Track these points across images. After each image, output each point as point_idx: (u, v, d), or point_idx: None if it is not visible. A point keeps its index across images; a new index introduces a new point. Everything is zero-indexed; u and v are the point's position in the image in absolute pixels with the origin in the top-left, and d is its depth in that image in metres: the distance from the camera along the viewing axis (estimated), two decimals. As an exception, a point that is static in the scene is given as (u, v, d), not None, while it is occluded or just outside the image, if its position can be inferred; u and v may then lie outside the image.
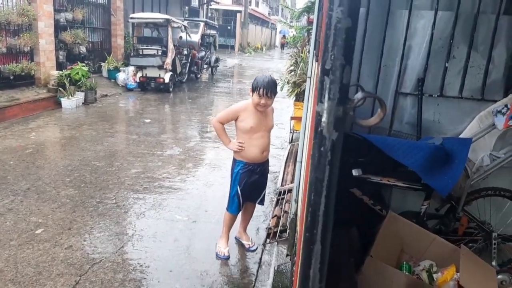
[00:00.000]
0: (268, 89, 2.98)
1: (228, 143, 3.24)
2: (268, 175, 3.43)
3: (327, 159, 0.68)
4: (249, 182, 3.22)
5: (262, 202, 3.44)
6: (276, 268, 3.13)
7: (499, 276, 2.69)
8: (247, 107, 3.11)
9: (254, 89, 3.02)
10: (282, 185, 4.71)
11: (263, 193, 3.39)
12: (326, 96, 0.66)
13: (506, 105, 2.62)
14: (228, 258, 3.28)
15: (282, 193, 4.43)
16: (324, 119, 0.67)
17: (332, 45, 0.64)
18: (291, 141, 6.63)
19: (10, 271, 2.94)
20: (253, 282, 3.02)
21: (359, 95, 0.73)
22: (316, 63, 2.14)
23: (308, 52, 6.04)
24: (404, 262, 2.56)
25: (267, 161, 3.33)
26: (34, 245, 3.29)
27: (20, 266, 3.00)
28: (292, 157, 5.53)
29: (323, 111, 0.67)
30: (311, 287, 0.72)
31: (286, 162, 5.46)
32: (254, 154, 3.15)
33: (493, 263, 2.74)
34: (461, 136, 2.90)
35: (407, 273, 2.45)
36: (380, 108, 0.77)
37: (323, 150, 0.67)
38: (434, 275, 2.47)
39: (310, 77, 2.89)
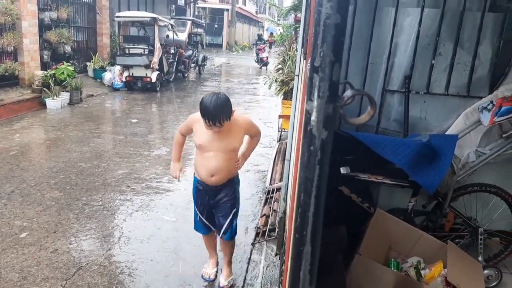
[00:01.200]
0: (215, 119, 2.36)
1: (173, 160, 2.90)
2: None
3: (317, 159, 0.66)
4: (203, 205, 2.77)
5: (226, 235, 2.77)
6: (265, 267, 3.12)
7: (486, 271, 2.73)
8: (200, 118, 2.48)
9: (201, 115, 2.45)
10: (270, 183, 4.70)
11: (225, 224, 2.74)
12: (316, 94, 0.65)
13: (491, 102, 2.65)
14: (212, 281, 2.95)
15: (270, 192, 4.42)
16: (313, 117, 0.65)
17: (321, 42, 0.63)
18: (279, 139, 6.62)
19: (-6, 276, 2.87)
20: (243, 282, 3.00)
21: (349, 92, 0.72)
22: (304, 61, 2.13)
23: (296, 50, 6.05)
24: (392, 259, 2.57)
25: (226, 187, 2.71)
26: (18, 249, 3.22)
27: (3, 271, 2.93)
28: (280, 155, 5.52)
29: (312, 109, 0.65)
30: (302, 289, 0.71)
31: (274, 161, 5.45)
32: (202, 175, 2.65)
33: (480, 258, 2.78)
34: (447, 132, 2.92)
35: (395, 270, 2.47)
36: (370, 106, 0.77)
37: (313, 149, 0.66)
38: (422, 272, 2.49)
39: (298, 75, 2.88)
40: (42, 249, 3.23)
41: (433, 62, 2.93)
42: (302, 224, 0.69)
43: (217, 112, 2.35)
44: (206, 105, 2.36)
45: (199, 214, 2.81)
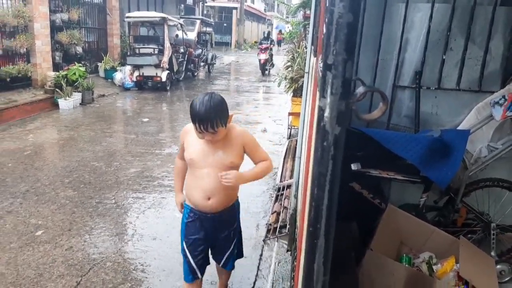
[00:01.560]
0: (207, 122, 1.95)
1: (176, 191, 2.47)
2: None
3: (330, 154, 0.68)
4: (198, 239, 2.26)
5: (226, 266, 2.42)
6: (276, 263, 3.14)
7: (498, 266, 2.71)
8: (191, 128, 2.13)
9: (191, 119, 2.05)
10: (281, 181, 4.72)
11: (227, 254, 2.37)
12: (329, 91, 0.66)
13: (503, 96, 2.63)
14: None
15: (281, 189, 4.43)
16: (326, 114, 0.67)
17: (334, 40, 0.65)
18: (289, 137, 6.63)
19: (10, 274, 2.93)
20: (254, 278, 3.03)
21: (361, 89, 0.73)
22: (315, 58, 2.14)
23: (305, 47, 6.05)
24: (404, 255, 2.57)
25: (226, 214, 2.26)
26: (34, 247, 3.28)
27: (20, 268, 3.00)
28: (290, 153, 5.53)
29: (325, 106, 0.67)
30: (316, 280, 0.73)
31: (284, 158, 5.46)
32: (196, 199, 2.19)
33: (492, 253, 2.76)
34: (459, 128, 2.91)
35: (407, 265, 2.47)
36: (382, 102, 0.78)
37: (326, 145, 0.68)
38: (434, 267, 2.49)
39: (308, 73, 2.89)
40: (57, 247, 3.29)
41: (444, 57, 2.91)
42: (316, 217, 0.71)
43: (210, 114, 1.95)
44: (197, 106, 1.97)
45: (188, 256, 2.30)
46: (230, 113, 2.11)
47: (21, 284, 2.82)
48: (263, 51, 15.74)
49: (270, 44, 16.36)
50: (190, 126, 2.14)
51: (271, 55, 16.28)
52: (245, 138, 2.19)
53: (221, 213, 2.23)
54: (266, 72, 16.00)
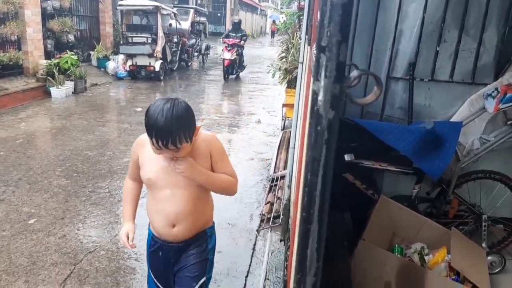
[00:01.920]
0: (167, 138, 1.51)
1: (124, 219, 1.97)
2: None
3: (324, 138, 0.68)
4: (164, 271, 1.90)
5: None
6: (270, 253, 3.15)
7: (489, 258, 2.75)
8: (147, 141, 1.63)
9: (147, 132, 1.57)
10: (274, 171, 4.73)
11: None
12: (323, 74, 0.66)
13: (496, 89, 2.64)
14: None
15: (275, 180, 4.44)
16: (320, 97, 0.66)
17: (328, 22, 0.64)
18: (283, 128, 6.63)
19: (3, 261, 2.92)
20: (248, 267, 3.04)
21: (355, 73, 0.73)
22: (309, 47, 2.13)
23: (299, 38, 6.02)
24: (396, 245, 2.59)
25: (194, 243, 1.83)
26: (27, 235, 3.27)
27: (13, 256, 2.99)
28: (284, 144, 5.54)
29: (319, 89, 0.67)
30: (309, 266, 0.73)
31: (278, 149, 5.47)
32: (158, 226, 1.81)
33: (483, 244, 2.80)
34: (452, 120, 2.92)
35: (399, 255, 2.49)
36: (376, 86, 0.78)
37: (320, 129, 0.68)
38: (426, 257, 2.51)
39: (302, 63, 2.88)
40: (50, 235, 3.28)
41: (438, 49, 2.92)
42: (309, 203, 0.71)
43: (172, 127, 1.50)
44: (155, 116, 1.51)
45: (154, 279, 1.94)
46: (198, 124, 1.67)
47: (14, 272, 2.81)
48: (228, 49, 11.33)
49: (241, 39, 11.93)
50: (146, 137, 1.63)
51: (240, 55, 11.93)
52: (213, 144, 1.75)
53: (187, 243, 1.82)
54: (232, 77, 11.92)
